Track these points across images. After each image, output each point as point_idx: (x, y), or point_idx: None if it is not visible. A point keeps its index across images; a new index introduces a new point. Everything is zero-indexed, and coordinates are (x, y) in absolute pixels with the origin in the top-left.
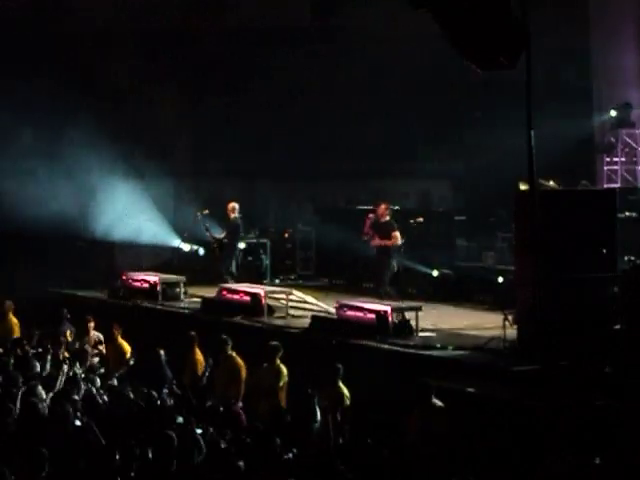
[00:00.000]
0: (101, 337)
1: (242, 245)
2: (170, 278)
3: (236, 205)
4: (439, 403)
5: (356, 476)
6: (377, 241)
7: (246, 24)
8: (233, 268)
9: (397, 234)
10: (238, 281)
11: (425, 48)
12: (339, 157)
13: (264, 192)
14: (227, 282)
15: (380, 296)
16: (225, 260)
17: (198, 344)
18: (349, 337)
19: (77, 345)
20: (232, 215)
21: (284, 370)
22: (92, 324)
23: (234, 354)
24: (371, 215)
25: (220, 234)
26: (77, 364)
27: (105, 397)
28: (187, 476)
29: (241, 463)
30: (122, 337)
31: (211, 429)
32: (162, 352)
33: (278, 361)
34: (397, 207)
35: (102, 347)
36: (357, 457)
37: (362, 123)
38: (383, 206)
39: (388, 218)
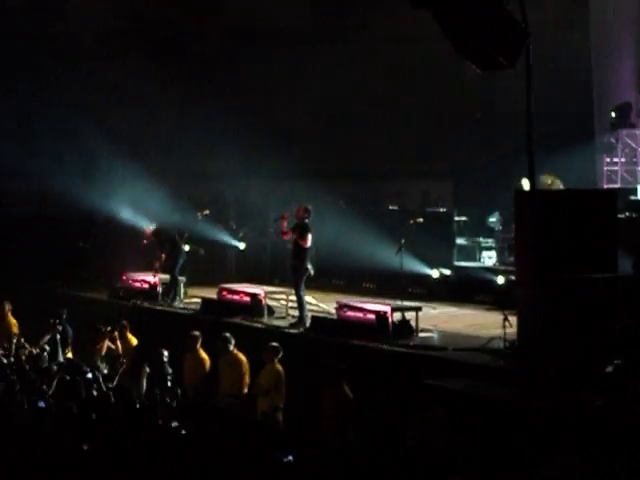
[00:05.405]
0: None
1: (242, 246)
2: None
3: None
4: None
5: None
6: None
7: (246, 24)
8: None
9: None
10: (238, 281)
11: (425, 48)
12: (339, 157)
13: (264, 192)
14: None
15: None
16: None
17: (201, 344)
18: (349, 337)
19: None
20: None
21: (282, 371)
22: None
23: (236, 351)
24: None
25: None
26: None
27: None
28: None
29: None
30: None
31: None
32: (165, 352)
33: (277, 362)
34: (397, 207)
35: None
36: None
37: (362, 123)
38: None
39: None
